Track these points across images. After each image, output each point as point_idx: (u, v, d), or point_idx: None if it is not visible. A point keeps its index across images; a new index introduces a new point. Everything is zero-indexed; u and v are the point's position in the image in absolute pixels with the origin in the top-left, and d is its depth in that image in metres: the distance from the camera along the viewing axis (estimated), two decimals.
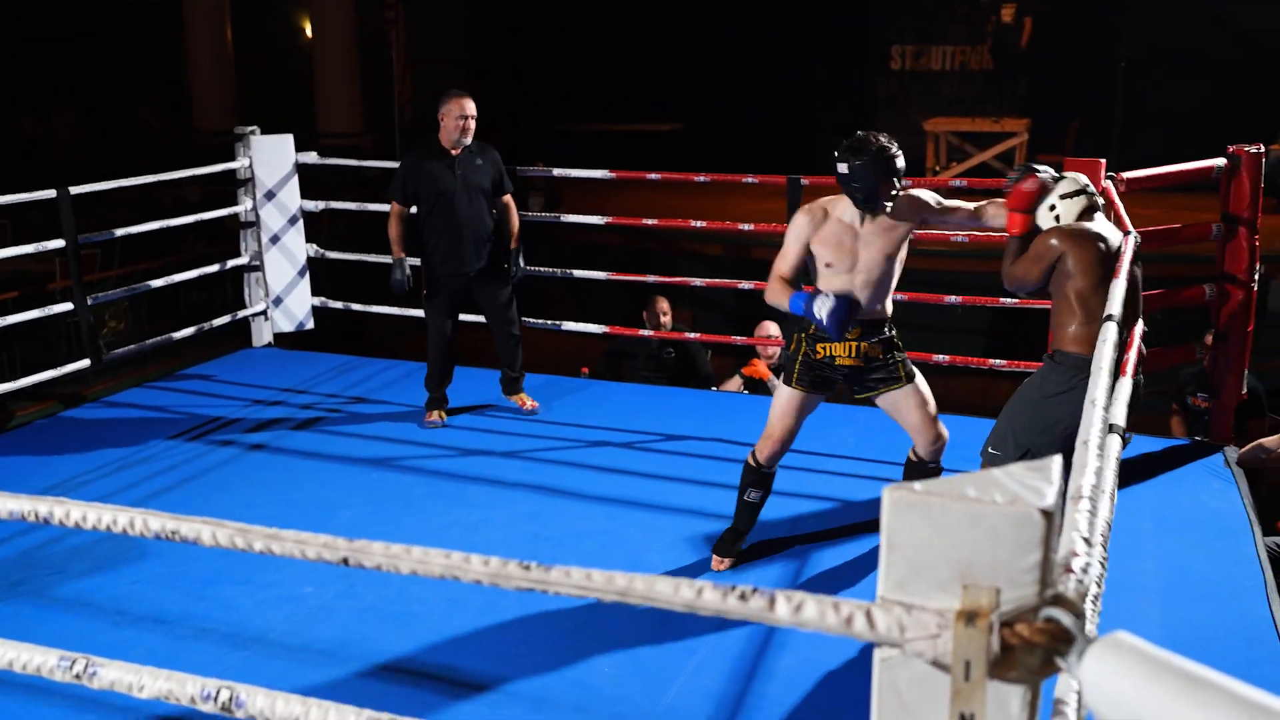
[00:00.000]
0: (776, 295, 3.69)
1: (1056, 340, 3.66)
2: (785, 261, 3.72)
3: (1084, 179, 3.73)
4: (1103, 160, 4.98)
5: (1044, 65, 13.37)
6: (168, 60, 16.19)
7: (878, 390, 3.84)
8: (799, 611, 1.24)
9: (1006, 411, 3.77)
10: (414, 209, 5.31)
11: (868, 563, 3.96)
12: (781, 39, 14.47)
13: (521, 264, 5.46)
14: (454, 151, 5.20)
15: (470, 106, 5.20)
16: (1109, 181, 4.81)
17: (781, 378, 3.90)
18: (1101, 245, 3.61)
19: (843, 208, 3.69)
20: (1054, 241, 3.60)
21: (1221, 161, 5.00)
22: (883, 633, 1.20)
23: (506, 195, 5.39)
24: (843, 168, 3.57)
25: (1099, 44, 12.86)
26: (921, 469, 3.94)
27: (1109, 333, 2.77)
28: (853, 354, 3.77)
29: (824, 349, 3.77)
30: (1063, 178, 3.73)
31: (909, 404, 3.86)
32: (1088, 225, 3.64)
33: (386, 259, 5.43)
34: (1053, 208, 3.68)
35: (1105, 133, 12.25)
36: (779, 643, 3.41)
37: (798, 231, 3.71)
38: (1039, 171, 3.70)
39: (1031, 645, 1.13)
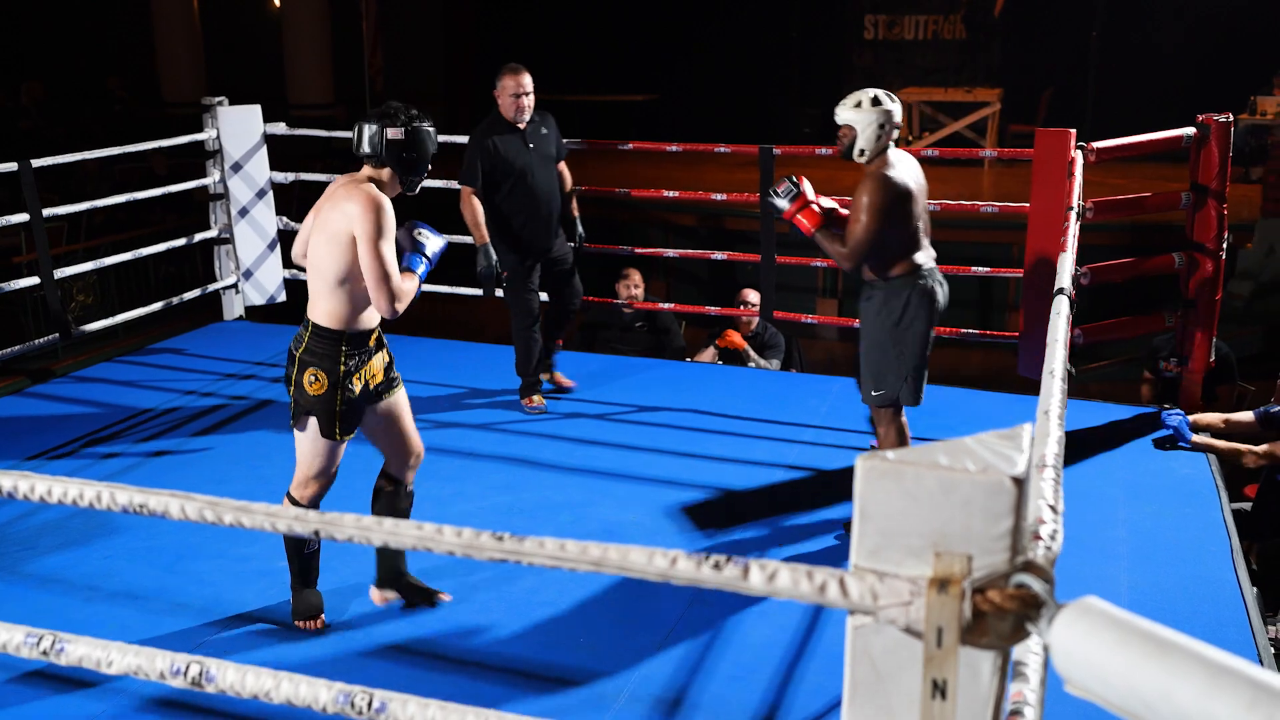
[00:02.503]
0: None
1: (878, 271, 3.78)
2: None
3: (864, 107, 3.76)
4: (1073, 130, 5.00)
5: (1017, 35, 13.37)
6: (135, 31, 15.95)
7: (384, 396, 3.32)
8: (773, 580, 1.24)
9: (870, 355, 3.84)
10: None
11: (840, 532, 3.98)
12: (756, 8, 14.40)
13: (583, 235, 5.38)
14: (521, 126, 4.99)
15: (527, 81, 4.96)
16: (1079, 151, 4.83)
17: (310, 425, 3.20)
18: (907, 177, 3.77)
19: None
20: (872, 195, 3.69)
21: (1191, 131, 5.03)
22: (856, 600, 1.21)
23: (562, 162, 5.22)
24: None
25: (1072, 13, 12.87)
26: (399, 495, 3.48)
27: (1061, 306, 2.79)
28: (386, 369, 3.33)
29: (360, 379, 3.21)
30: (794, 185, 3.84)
31: (405, 408, 3.39)
32: (891, 162, 3.76)
33: None
34: (862, 152, 3.77)
35: (1077, 102, 12.27)
36: (755, 612, 3.43)
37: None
38: (795, 187, 3.79)
39: (1003, 611, 1.14)
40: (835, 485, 4.36)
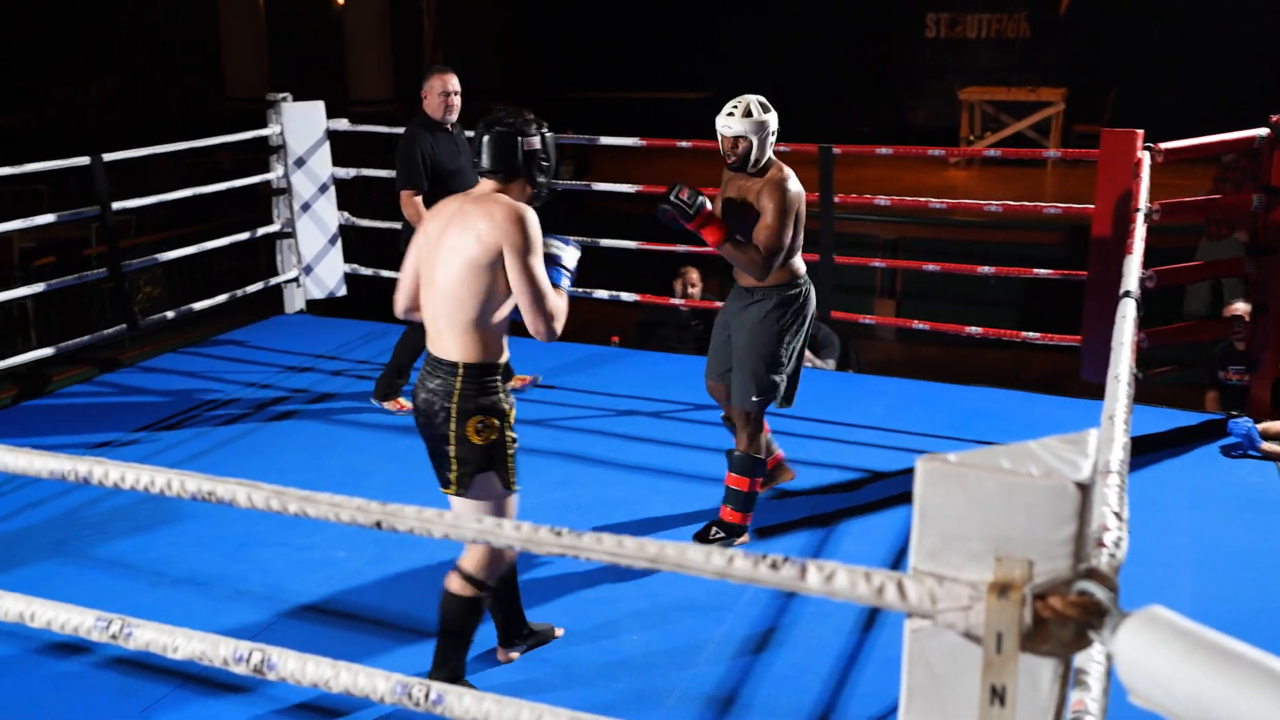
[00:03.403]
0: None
1: (762, 279, 3.73)
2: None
3: (740, 117, 3.69)
4: (1141, 131, 4.91)
5: (1082, 33, 13.16)
6: (203, 28, 16.23)
7: None
8: (830, 581, 1.24)
9: (749, 360, 3.77)
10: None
11: (897, 535, 3.95)
12: (815, 6, 14.32)
13: None
14: (450, 128, 4.90)
15: (454, 82, 4.88)
16: (1146, 152, 4.74)
17: (488, 483, 2.84)
18: (800, 185, 3.73)
19: None
20: (779, 202, 3.63)
21: (1264, 132, 4.92)
22: (914, 603, 1.20)
23: None
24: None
25: (1140, 12, 12.64)
26: None
27: (1128, 309, 2.74)
28: None
29: (506, 405, 2.89)
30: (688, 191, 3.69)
31: None
32: (785, 168, 3.72)
33: None
34: (756, 161, 3.70)
35: (1144, 102, 12.06)
36: (808, 613, 3.42)
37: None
38: (696, 196, 3.67)
39: (1064, 618, 1.12)
40: (891, 487, 4.33)
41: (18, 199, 9.89)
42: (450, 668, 2.92)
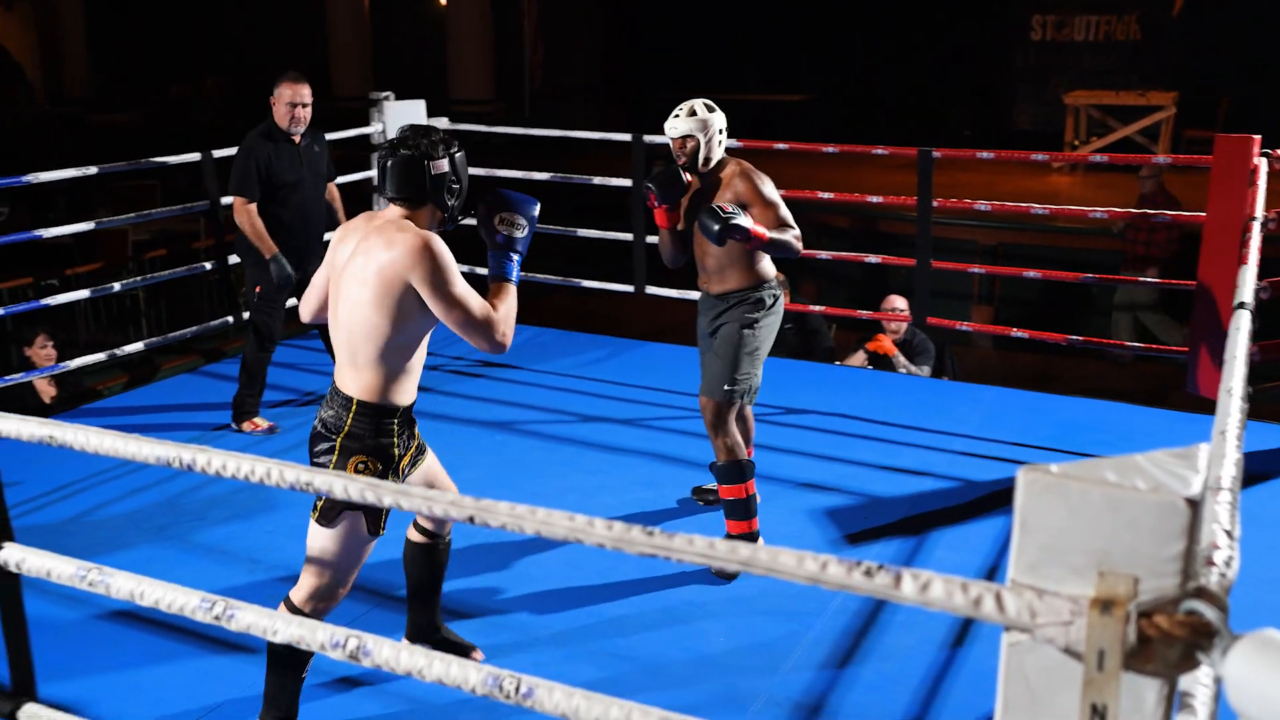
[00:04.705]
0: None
1: (744, 274, 3.74)
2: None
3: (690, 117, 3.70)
4: (1258, 136, 4.74)
5: (1196, 36, 12.75)
6: (311, 29, 16.63)
7: (419, 464, 2.92)
8: (925, 591, 1.21)
9: (726, 349, 3.72)
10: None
11: (991, 546, 3.87)
12: (917, 6, 14.12)
13: None
14: (295, 139, 4.81)
15: (305, 93, 4.78)
16: (1263, 159, 4.57)
17: (348, 523, 2.65)
18: None
19: None
20: (767, 183, 3.72)
21: None
22: (1012, 616, 1.17)
23: (332, 183, 5.10)
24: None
25: (1257, 13, 12.21)
26: (437, 549, 3.13)
27: (1242, 321, 2.64)
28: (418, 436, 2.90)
29: (409, 457, 2.80)
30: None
31: (437, 464, 3.04)
32: (746, 163, 3.75)
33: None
34: (707, 161, 3.71)
35: (1261, 107, 11.64)
36: (898, 622, 3.37)
37: None
38: (659, 188, 3.68)
39: (1171, 638, 1.09)
40: (986, 497, 4.25)
41: (132, 194, 10.26)
42: (281, 707, 2.72)
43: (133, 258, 8.95)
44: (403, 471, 2.75)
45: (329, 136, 6.65)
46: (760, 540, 3.81)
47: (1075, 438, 4.79)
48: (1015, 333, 5.67)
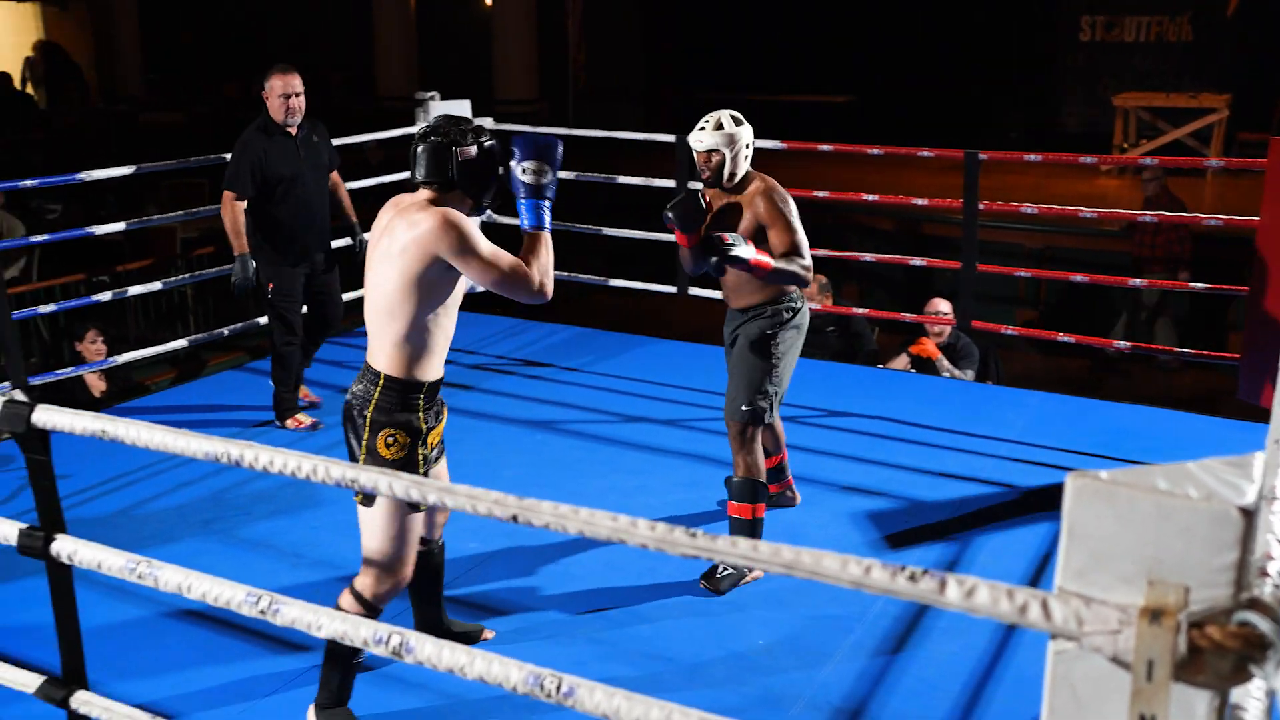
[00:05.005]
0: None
1: (761, 295, 3.66)
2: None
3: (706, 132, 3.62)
4: None
5: (1251, 36, 12.54)
6: (358, 29, 16.78)
7: (437, 463, 3.00)
8: (971, 596, 1.20)
9: (745, 367, 3.67)
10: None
11: (1035, 553, 3.83)
12: (963, 6, 14.00)
13: (364, 239, 5.15)
14: (292, 131, 4.78)
15: (296, 83, 4.75)
16: None
17: (388, 499, 2.70)
18: None
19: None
20: (789, 205, 3.59)
21: None
22: (1059, 624, 1.16)
23: (335, 171, 5.06)
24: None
25: None
26: (432, 553, 3.19)
27: None
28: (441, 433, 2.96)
29: (435, 437, 2.88)
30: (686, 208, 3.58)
31: (445, 472, 3.12)
32: (771, 180, 3.66)
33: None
34: (732, 176, 3.63)
35: None
36: (939, 628, 3.34)
37: None
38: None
39: (1223, 649, 1.07)
40: (1030, 502, 4.20)
41: (181, 192, 10.39)
42: (332, 690, 2.83)
43: (181, 255, 9.08)
44: (431, 446, 2.83)
45: (375, 136, 6.73)
46: (760, 570, 3.73)
47: (1123, 444, 4.73)
48: (1061, 337, 5.61)
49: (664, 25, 16.15)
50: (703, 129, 3.61)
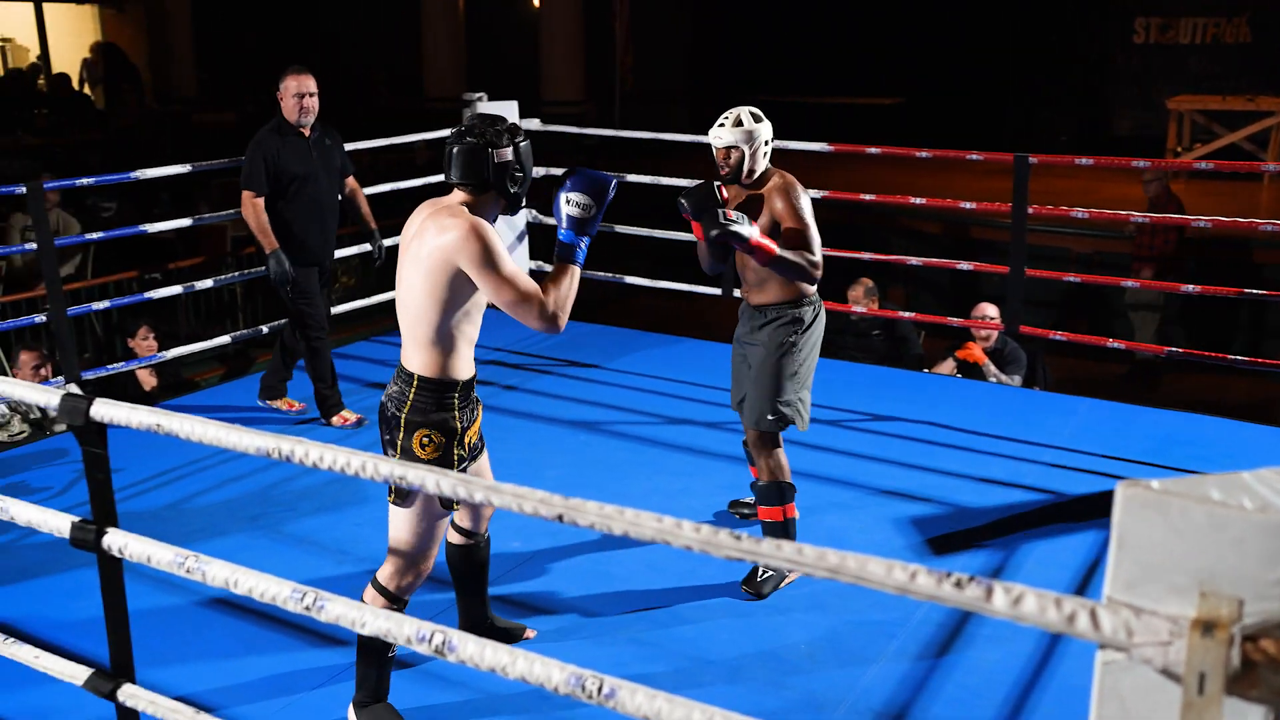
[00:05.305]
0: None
1: (783, 292, 3.62)
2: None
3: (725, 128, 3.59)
4: None
5: None
6: (406, 31, 16.91)
7: (477, 458, 3.01)
8: (1018, 604, 1.19)
9: (765, 376, 3.62)
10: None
11: (1082, 561, 3.78)
12: (1014, 8, 13.85)
13: (383, 245, 5.31)
14: (305, 132, 4.87)
15: (310, 83, 4.83)
16: None
17: (421, 498, 2.76)
18: None
19: None
20: (804, 200, 3.56)
21: None
22: (1108, 635, 1.15)
23: (350, 177, 5.14)
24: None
25: None
26: (478, 548, 3.20)
27: None
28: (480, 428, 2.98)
29: (470, 435, 2.87)
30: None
31: (488, 466, 3.12)
32: (789, 176, 3.63)
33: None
34: (751, 173, 3.60)
35: None
36: (983, 635, 3.31)
37: None
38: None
39: (1277, 663, 1.05)
40: (1078, 511, 4.15)
41: (233, 190, 10.52)
42: (370, 687, 2.85)
43: (231, 253, 9.19)
44: (468, 444, 2.84)
45: (422, 136, 6.77)
46: (796, 572, 3.69)
47: (1173, 452, 4.66)
48: (1111, 343, 5.54)
49: (711, 27, 16.12)
50: (722, 125, 3.60)
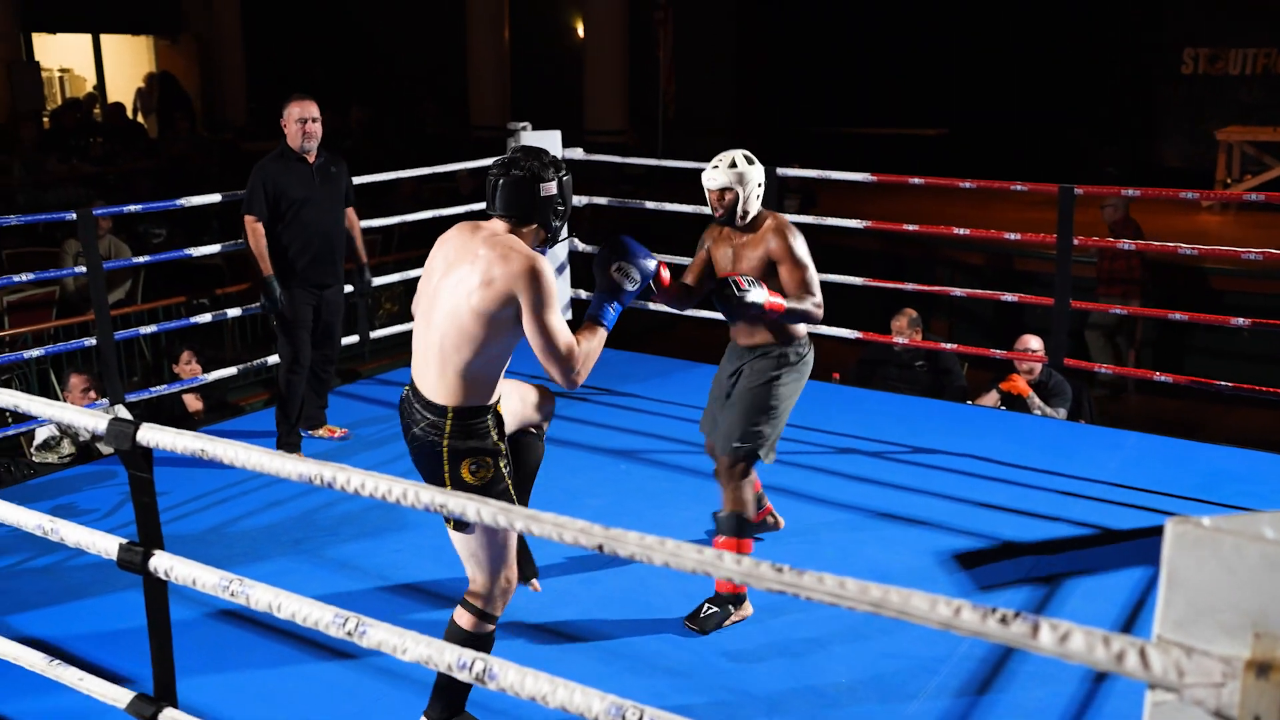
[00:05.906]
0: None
1: (773, 335, 3.61)
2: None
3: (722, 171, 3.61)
4: None
5: None
6: (452, 61, 17.12)
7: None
8: (1065, 642, 1.17)
9: (745, 403, 3.59)
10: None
11: (1128, 598, 3.72)
12: (1058, 40, 13.79)
13: (370, 281, 5.34)
14: (309, 158, 4.90)
15: (313, 109, 4.87)
16: None
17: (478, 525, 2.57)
18: None
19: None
20: (801, 242, 3.59)
21: None
22: (1158, 674, 1.12)
23: (350, 207, 5.13)
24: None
25: None
26: (535, 448, 3.20)
27: None
28: None
29: (499, 443, 2.85)
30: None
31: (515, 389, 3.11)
32: (783, 218, 3.68)
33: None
34: (745, 214, 3.61)
35: None
36: (1025, 672, 3.26)
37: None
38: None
39: None
40: (1124, 547, 4.08)
41: None
42: (446, 703, 2.86)
43: None
44: (506, 454, 2.84)
45: (466, 165, 6.84)
46: (746, 602, 3.61)
47: (1222, 489, 4.58)
48: (1158, 376, 5.46)
49: (755, 57, 16.17)
50: (715, 167, 3.60)
